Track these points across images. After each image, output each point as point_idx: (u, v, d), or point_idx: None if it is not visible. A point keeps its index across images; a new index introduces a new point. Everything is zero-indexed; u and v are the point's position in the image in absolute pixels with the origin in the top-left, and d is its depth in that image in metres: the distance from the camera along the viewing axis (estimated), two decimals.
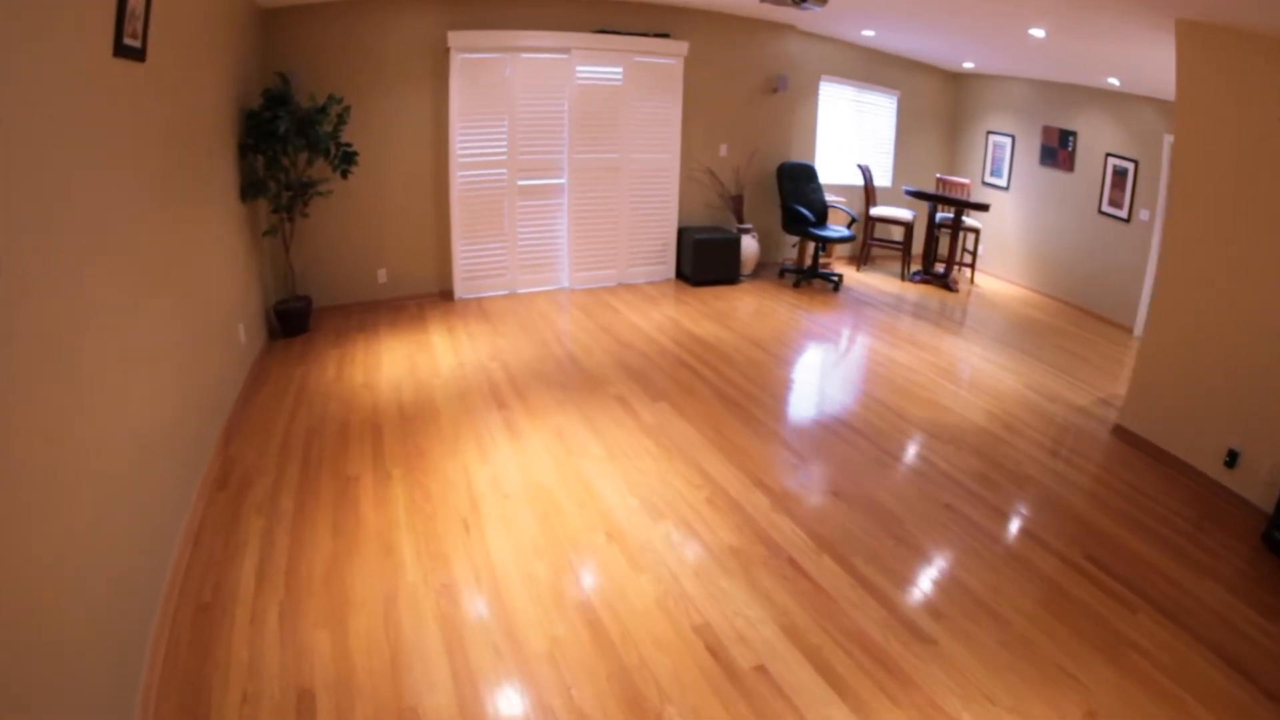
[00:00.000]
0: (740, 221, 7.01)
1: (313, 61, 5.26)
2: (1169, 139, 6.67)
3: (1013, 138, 7.94)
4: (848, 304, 6.59)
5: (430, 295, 6.15)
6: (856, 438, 4.07)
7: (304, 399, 4.27)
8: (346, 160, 5.06)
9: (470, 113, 5.75)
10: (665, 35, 6.20)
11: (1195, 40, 3.75)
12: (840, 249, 8.04)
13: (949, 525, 3.23)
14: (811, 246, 7.28)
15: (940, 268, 7.70)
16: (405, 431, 3.89)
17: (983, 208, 7.15)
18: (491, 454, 3.69)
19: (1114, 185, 7.11)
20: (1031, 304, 7.35)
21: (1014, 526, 3.29)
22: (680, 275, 6.93)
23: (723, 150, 6.91)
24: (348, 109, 5.00)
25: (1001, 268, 8.23)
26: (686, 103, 6.51)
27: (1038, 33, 5.43)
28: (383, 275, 5.92)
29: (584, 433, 3.93)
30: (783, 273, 7.32)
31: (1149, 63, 5.94)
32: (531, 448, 3.76)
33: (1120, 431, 4.21)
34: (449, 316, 5.75)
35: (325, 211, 5.48)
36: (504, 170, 5.98)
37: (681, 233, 6.82)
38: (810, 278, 7.03)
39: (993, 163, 8.22)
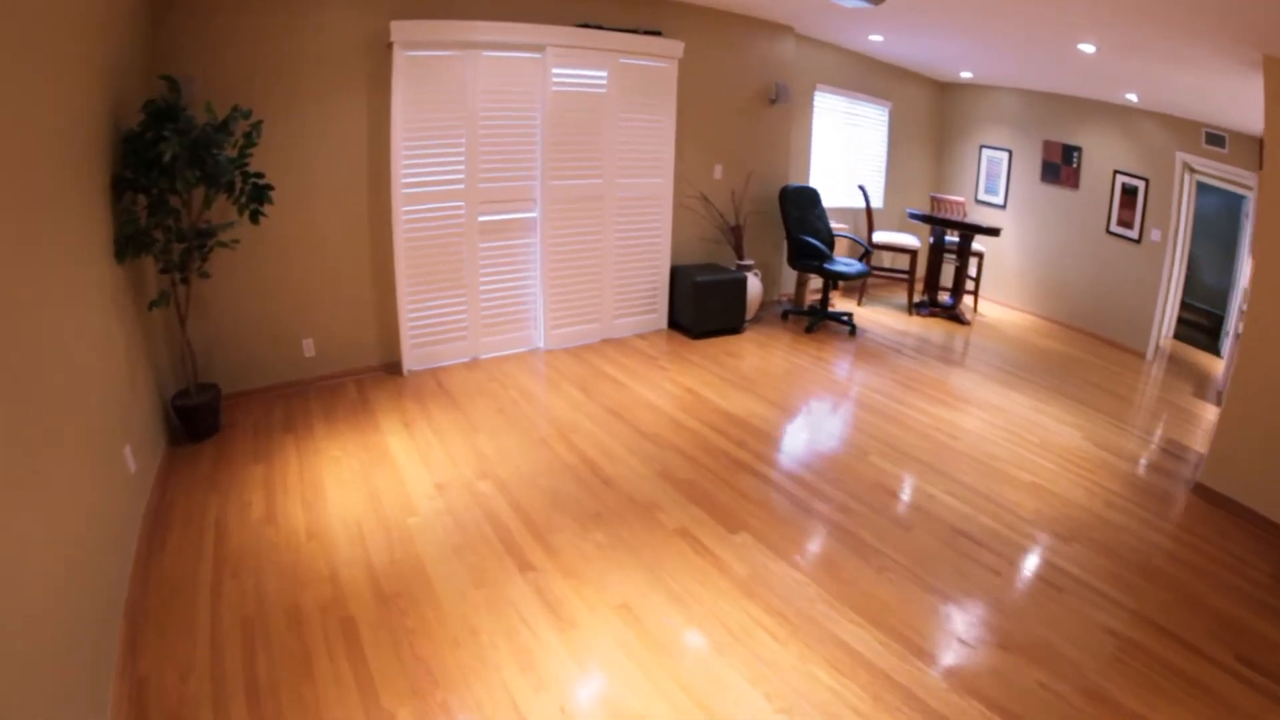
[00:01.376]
0: (740, 257, 5.95)
1: (215, 64, 3.80)
2: (1181, 157, 6.27)
3: (1009, 153, 7.33)
4: (871, 352, 5.66)
5: (372, 369, 4.72)
6: (982, 552, 3.14)
7: (227, 559, 2.85)
8: (257, 197, 3.61)
9: (418, 129, 4.39)
10: (657, 33, 5.05)
11: None
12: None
13: (1123, 659, 2.60)
14: (813, 282, 6.34)
15: (944, 297, 6.98)
16: (391, 627, 2.54)
17: (993, 232, 6.44)
18: (541, 664, 2.40)
19: (1123, 204, 6.64)
20: (1041, 332, 6.86)
21: (1172, 639, 2.75)
22: (674, 324, 5.79)
23: (717, 172, 5.83)
24: (259, 126, 3.55)
25: (1001, 292, 7.64)
26: (680, 115, 5.38)
27: (1087, 48, 4.80)
28: (309, 347, 4.45)
29: (660, 603, 2.71)
30: (786, 314, 6.33)
31: (1187, 83, 5.41)
32: (596, 644, 2.50)
33: (1201, 490, 3.86)
34: (401, 400, 4.35)
35: (231, 268, 4.01)
36: (461, 204, 4.64)
37: (675, 273, 5.69)
38: (820, 320, 6.07)
39: (987, 179, 7.59)
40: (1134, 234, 6.58)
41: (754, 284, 5.89)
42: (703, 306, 5.48)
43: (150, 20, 3.65)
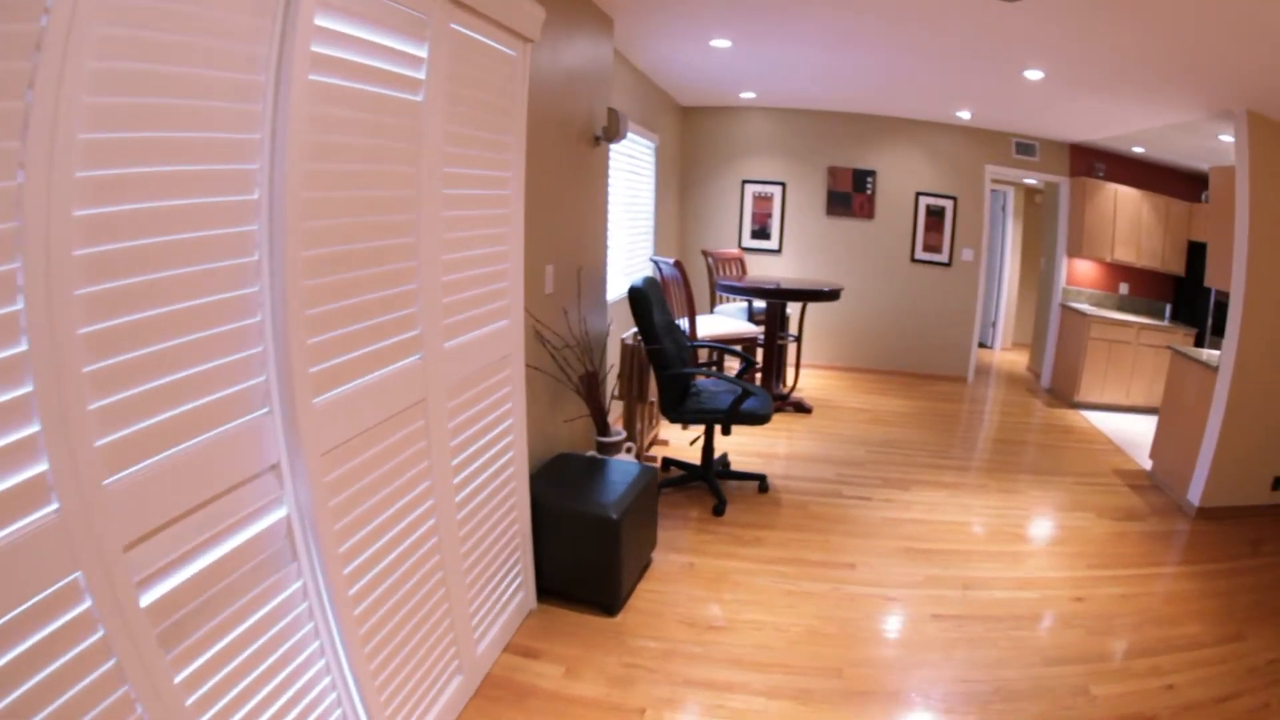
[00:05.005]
0: (605, 431, 3.22)
1: None
2: (991, 169, 6.04)
3: (783, 186, 6.15)
4: (819, 514, 3.70)
5: None
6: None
7: None
8: None
9: None
10: None
11: (1267, 132, 3.64)
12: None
13: None
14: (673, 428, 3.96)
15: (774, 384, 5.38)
16: None
17: (834, 296, 5.04)
18: None
19: (929, 227, 6.14)
20: (871, 389, 6.06)
21: None
22: (546, 592, 2.76)
23: (548, 280, 2.98)
24: None
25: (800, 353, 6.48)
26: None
27: (1034, 75, 3.95)
28: None
29: None
30: (662, 488, 3.77)
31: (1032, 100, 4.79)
32: None
33: (1205, 512, 3.87)
34: None
35: None
36: (49, 500, 1.02)
37: (536, 504, 2.67)
38: (718, 482, 3.72)
39: (755, 221, 6.26)
40: (944, 257, 6.19)
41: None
42: (625, 551, 2.65)
43: None
